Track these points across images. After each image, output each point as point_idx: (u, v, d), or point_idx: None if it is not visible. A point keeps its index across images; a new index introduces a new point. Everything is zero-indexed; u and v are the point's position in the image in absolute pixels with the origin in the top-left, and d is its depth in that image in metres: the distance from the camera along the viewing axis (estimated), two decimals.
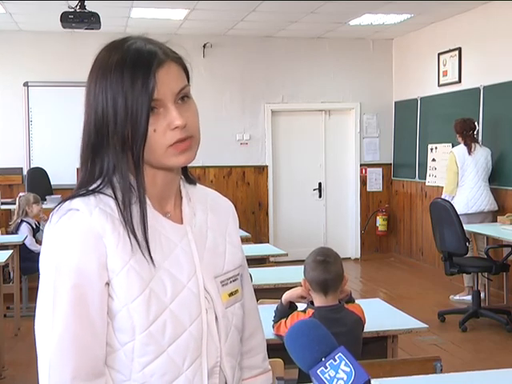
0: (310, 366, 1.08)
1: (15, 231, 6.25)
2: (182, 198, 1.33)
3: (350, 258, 9.01)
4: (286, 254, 5.04)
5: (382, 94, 9.03)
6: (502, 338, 5.47)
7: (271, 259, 5.29)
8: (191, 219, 1.31)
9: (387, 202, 9.11)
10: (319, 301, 2.61)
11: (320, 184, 9.04)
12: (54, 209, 1.22)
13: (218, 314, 1.27)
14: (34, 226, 6.31)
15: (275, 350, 1.91)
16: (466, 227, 5.85)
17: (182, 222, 1.29)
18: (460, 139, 6.50)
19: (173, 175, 1.28)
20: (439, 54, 7.86)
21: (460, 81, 7.49)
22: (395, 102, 8.99)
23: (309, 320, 1.18)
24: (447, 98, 7.69)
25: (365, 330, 2.72)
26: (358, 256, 9.11)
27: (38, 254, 1.23)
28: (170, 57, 1.22)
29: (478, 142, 6.58)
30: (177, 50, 1.26)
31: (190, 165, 1.28)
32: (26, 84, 8.00)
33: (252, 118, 8.69)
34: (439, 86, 7.88)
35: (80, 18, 5.85)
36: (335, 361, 1.07)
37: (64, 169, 7.56)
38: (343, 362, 1.07)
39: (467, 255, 5.85)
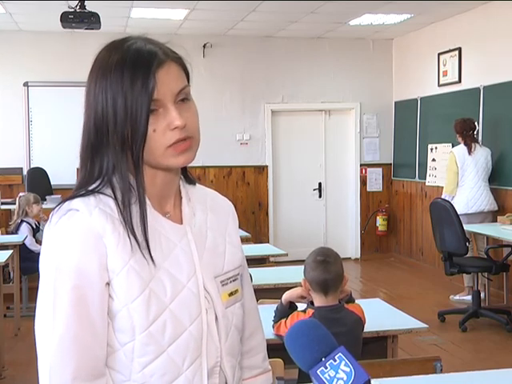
0: (310, 365, 1.08)
1: (15, 231, 6.25)
2: (181, 198, 1.33)
3: (350, 258, 9.01)
4: (286, 254, 5.04)
5: (382, 94, 9.03)
6: (502, 338, 5.47)
7: (271, 259, 5.29)
8: (191, 219, 1.31)
9: (387, 201, 9.11)
10: (319, 301, 2.61)
11: (320, 184, 9.04)
12: (53, 209, 1.22)
13: (218, 314, 1.27)
14: (34, 226, 6.31)
15: (275, 349, 1.91)
16: (466, 227, 5.85)
17: (181, 222, 1.29)
18: (460, 139, 6.50)
19: (172, 175, 1.28)
20: (439, 54, 7.86)
21: (460, 81, 7.49)
22: (395, 102, 8.99)
23: (309, 320, 1.18)
24: (447, 97, 7.69)
25: (365, 330, 2.72)
26: (358, 256, 9.11)
27: (38, 254, 1.23)
28: (170, 57, 1.22)
29: (478, 142, 6.58)
30: (177, 51, 1.26)
31: (189, 165, 1.28)
32: (26, 84, 8.01)
33: (252, 118, 8.69)
34: (439, 86, 7.88)
35: (80, 18, 5.85)
36: (335, 361, 1.07)
37: (64, 169, 7.56)
38: (343, 362, 1.07)
39: (467, 255, 5.85)
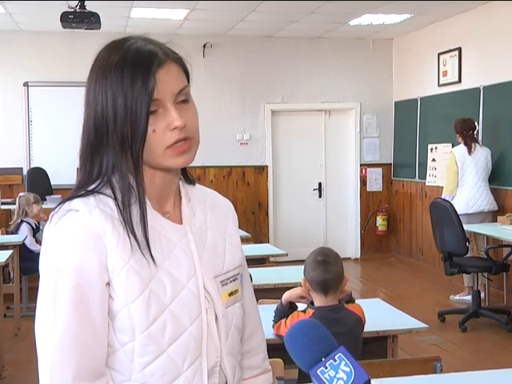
0: (310, 365, 1.08)
1: (15, 231, 6.25)
2: (181, 198, 1.33)
3: (350, 258, 9.01)
4: (286, 254, 5.04)
5: (382, 94, 9.03)
6: (502, 338, 5.47)
7: (271, 259, 5.29)
8: (190, 219, 1.31)
9: (387, 201, 9.11)
10: (319, 301, 2.61)
11: (320, 184, 9.04)
12: (53, 209, 1.22)
13: (218, 314, 1.27)
14: (34, 226, 6.31)
15: (275, 349, 1.91)
16: (466, 227, 5.85)
17: (181, 222, 1.29)
18: (460, 139, 6.50)
19: (172, 176, 1.28)
20: (439, 54, 7.86)
21: (460, 81, 7.49)
22: (395, 102, 8.99)
23: (309, 320, 1.18)
24: (447, 98, 7.69)
25: (365, 329, 2.72)
26: (358, 256, 9.11)
27: (38, 254, 1.23)
28: (170, 57, 1.22)
29: (478, 142, 6.58)
30: (177, 51, 1.26)
31: (189, 165, 1.28)
32: (26, 84, 8.01)
33: (252, 118, 8.69)
34: (439, 86, 7.89)
35: (80, 18, 5.85)
36: (335, 361, 1.07)
37: (64, 169, 7.55)
38: (343, 362, 1.07)
39: (467, 255, 5.85)
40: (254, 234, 7.80)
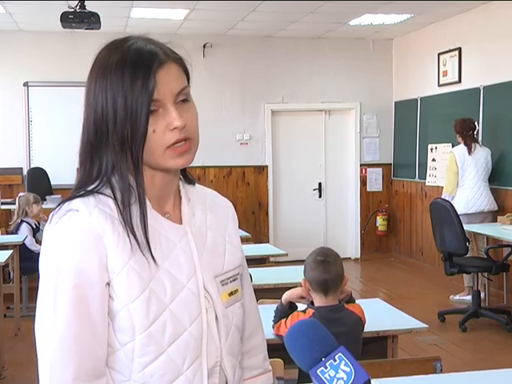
0: (310, 365, 1.08)
1: (15, 231, 6.25)
2: (181, 198, 1.33)
3: (350, 258, 9.01)
4: (286, 254, 5.04)
5: (382, 94, 9.03)
6: (502, 338, 5.47)
7: (271, 259, 5.29)
8: (190, 219, 1.31)
9: (387, 201, 9.11)
10: (319, 301, 2.61)
11: (320, 184, 9.04)
12: (53, 210, 1.22)
13: (218, 314, 1.27)
14: (34, 226, 6.31)
15: (275, 349, 1.91)
16: (466, 227, 5.85)
17: (181, 222, 1.29)
18: (460, 139, 6.50)
19: (171, 176, 1.28)
20: (439, 54, 7.86)
21: (460, 81, 7.49)
22: (395, 102, 8.99)
23: (309, 320, 1.18)
24: (447, 97, 7.70)
25: (365, 330, 2.72)
26: (358, 256, 9.11)
27: (38, 254, 1.23)
28: (170, 57, 1.22)
29: (478, 142, 6.58)
30: (177, 51, 1.26)
31: (189, 165, 1.28)
32: (26, 84, 8.01)
33: (252, 118, 8.69)
34: (439, 86, 7.89)
35: (80, 18, 5.85)
36: (335, 361, 1.07)
37: (64, 169, 7.55)
38: (343, 362, 1.07)
39: (467, 255, 5.85)
40: (254, 234, 7.80)
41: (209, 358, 1.24)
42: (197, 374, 1.23)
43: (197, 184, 1.39)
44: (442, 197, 6.41)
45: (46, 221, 1.23)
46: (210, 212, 1.36)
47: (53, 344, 1.14)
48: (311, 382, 1.09)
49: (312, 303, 2.64)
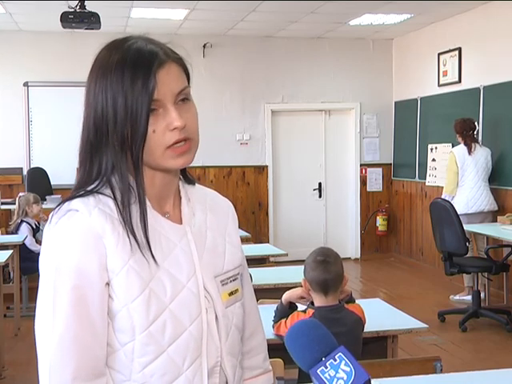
0: (310, 365, 1.08)
1: (15, 231, 6.25)
2: (180, 198, 1.33)
3: (350, 258, 9.01)
4: (286, 254, 5.04)
5: (382, 94, 9.03)
6: (502, 338, 5.47)
7: (271, 259, 5.29)
8: (190, 219, 1.31)
9: (387, 201, 9.11)
10: (319, 301, 2.61)
11: (320, 184, 9.04)
12: (53, 210, 1.22)
13: (218, 314, 1.27)
14: (34, 226, 6.31)
15: (275, 349, 1.91)
16: (466, 227, 5.85)
17: (181, 222, 1.29)
18: (460, 139, 6.50)
19: (171, 176, 1.28)
20: (439, 54, 7.86)
21: (460, 81, 7.49)
22: (395, 102, 8.99)
23: (309, 320, 1.18)
24: (447, 97, 7.70)
25: (365, 330, 2.72)
26: (358, 256, 9.11)
27: (38, 254, 1.23)
28: (170, 57, 1.22)
29: (478, 142, 6.58)
30: (177, 51, 1.26)
31: (189, 165, 1.28)
32: (26, 84, 8.01)
33: (252, 118, 8.69)
34: (439, 86, 7.89)
35: (80, 18, 5.85)
36: (335, 360, 1.07)
37: (64, 169, 7.55)
38: (343, 362, 1.07)
39: (467, 255, 5.85)
40: (254, 234, 7.80)
41: (209, 358, 1.24)
42: (197, 374, 1.23)
43: (197, 184, 1.39)
44: (442, 197, 6.41)
45: (46, 221, 1.23)
46: (210, 212, 1.36)
47: (52, 344, 1.14)
48: (311, 381, 1.09)
49: (312, 303, 2.64)
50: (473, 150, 6.42)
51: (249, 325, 1.42)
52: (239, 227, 1.46)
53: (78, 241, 1.16)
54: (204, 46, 8.38)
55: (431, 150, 7.98)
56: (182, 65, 1.25)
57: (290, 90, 8.75)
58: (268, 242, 8.02)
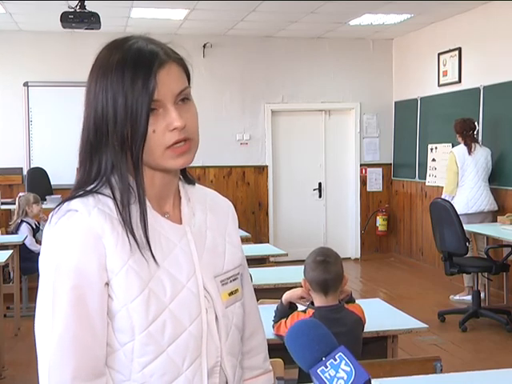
0: (311, 365, 1.08)
1: (15, 231, 6.25)
2: (180, 198, 1.33)
3: (350, 258, 9.01)
4: (286, 254, 5.04)
5: (382, 94, 9.03)
6: (502, 338, 5.47)
7: (271, 259, 5.29)
8: (190, 219, 1.31)
9: (387, 201, 9.11)
10: (319, 301, 2.61)
11: (320, 184, 9.04)
12: (53, 210, 1.22)
13: (218, 314, 1.27)
14: (34, 226, 6.31)
15: (275, 349, 1.91)
16: (466, 227, 5.85)
17: (181, 222, 1.29)
18: (460, 139, 6.50)
19: (171, 176, 1.28)
20: (439, 54, 7.86)
21: (460, 81, 7.49)
22: (395, 102, 8.99)
23: (309, 320, 1.18)
24: (447, 97, 7.69)
25: (365, 330, 2.72)
26: (358, 256, 9.11)
27: (38, 254, 1.23)
28: (171, 57, 1.22)
29: (478, 142, 6.58)
30: (178, 51, 1.26)
31: (189, 165, 1.28)
32: (26, 84, 8.01)
33: (252, 118, 8.69)
34: (439, 86, 7.88)
35: (80, 18, 5.85)
36: (335, 360, 1.07)
37: (64, 169, 7.54)
38: (343, 362, 1.07)
39: (467, 255, 5.85)
40: (253, 234, 7.80)
41: (209, 358, 1.24)
42: (196, 374, 1.23)
43: (197, 184, 1.39)
44: (442, 197, 6.41)
45: (46, 221, 1.23)
46: (209, 212, 1.36)
47: (52, 344, 1.14)
48: (311, 381, 1.09)
49: (312, 303, 2.64)
50: (473, 150, 6.42)
51: (249, 325, 1.42)
52: (239, 227, 1.46)
53: (78, 241, 1.16)
54: (204, 46, 8.38)
55: (431, 150, 7.98)
56: (183, 65, 1.25)
57: (289, 90, 8.75)
58: (268, 242, 8.02)
